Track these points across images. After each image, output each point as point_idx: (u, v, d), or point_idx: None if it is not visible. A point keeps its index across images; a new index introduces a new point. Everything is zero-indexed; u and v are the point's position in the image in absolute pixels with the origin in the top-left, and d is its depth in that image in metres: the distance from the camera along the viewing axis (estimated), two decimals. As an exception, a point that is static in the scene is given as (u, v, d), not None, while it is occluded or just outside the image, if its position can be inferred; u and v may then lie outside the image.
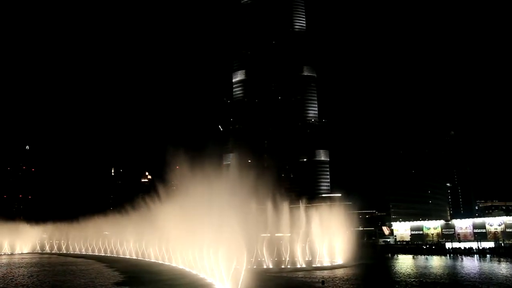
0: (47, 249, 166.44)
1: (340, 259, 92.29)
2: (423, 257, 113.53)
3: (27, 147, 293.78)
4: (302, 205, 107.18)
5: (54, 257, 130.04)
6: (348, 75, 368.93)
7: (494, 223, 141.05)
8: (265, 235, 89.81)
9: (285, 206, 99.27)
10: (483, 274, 69.17)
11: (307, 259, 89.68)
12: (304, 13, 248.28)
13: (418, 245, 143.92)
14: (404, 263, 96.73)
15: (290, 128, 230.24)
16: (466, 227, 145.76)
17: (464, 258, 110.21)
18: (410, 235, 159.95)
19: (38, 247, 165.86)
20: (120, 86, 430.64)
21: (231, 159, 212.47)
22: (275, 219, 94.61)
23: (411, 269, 79.67)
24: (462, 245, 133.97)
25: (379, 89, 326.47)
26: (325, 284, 56.33)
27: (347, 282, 59.63)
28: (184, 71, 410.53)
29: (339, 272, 72.83)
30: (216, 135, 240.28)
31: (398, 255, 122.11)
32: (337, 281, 60.27)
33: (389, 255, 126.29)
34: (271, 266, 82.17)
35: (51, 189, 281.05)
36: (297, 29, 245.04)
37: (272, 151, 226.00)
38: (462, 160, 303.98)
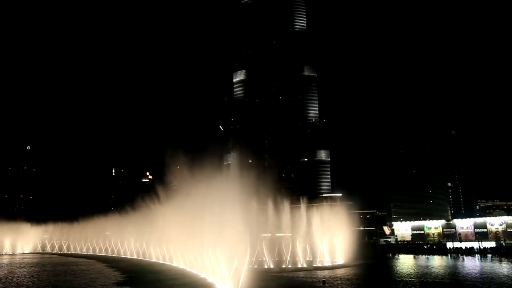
0: (48, 249, 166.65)
1: (341, 259, 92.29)
2: (424, 257, 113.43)
3: (28, 147, 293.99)
4: (303, 205, 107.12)
5: (55, 257, 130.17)
6: (348, 75, 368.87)
7: (495, 222, 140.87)
8: (266, 235, 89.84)
9: (286, 206, 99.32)
10: (484, 274, 69.09)
11: (308, 259, 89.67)
12: (304, 13, 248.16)
13: (419, 245, 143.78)
14: (405, 263, 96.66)
15: (291, 128, 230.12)
16: (467, 227, 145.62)
17: (465, 258, 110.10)
18: (411, 235, 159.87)
19: (39, 247, 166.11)
20: (121, 86, 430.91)
21: (231, 159, 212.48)
22: (276, 219, 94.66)
23: (412, 269, 79.60)
24: (463, 245, 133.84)
25: (380, 89, 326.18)
26: (326, 284, 56.33)
27: (348, 282, 59.60)
28: (184, 71, 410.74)
29: (340, 272, 72.81)
30: (216, 135, 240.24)
31: (399, 255, 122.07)
32: (338, 281, 60.25)
33: (390, 255, 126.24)
34: (272, 266, 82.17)
35: (52, 189, 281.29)
36: (297, 29, 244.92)
37: (272, 151, 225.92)
38: (463, 160, 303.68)
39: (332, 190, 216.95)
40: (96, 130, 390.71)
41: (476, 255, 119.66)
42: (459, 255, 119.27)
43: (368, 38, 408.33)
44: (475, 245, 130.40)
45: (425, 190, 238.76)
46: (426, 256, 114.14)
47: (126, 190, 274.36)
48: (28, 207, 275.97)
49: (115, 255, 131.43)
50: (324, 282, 57.62)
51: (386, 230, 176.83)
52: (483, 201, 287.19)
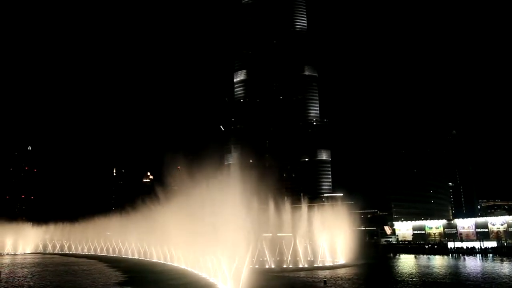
0: (50, 249, 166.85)
1: (342, 259, 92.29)
2: (425, 256, 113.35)
3: (29, 147, 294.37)
4: (303, 205, 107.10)
5: (57, 257, 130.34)
6: (349, 74, 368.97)
7: (497, 222, 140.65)
8: (267, 235, 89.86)
9: (286, 206, 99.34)
10: (486, 274, 69.01)
11: (309, 258, 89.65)
12: (305, 13, 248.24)
13: (420, 244, 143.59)
14: (406, 262, 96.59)
15: (292, 128, 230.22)
16: (468, 227, 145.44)
17: (466, 257, 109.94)
18: (412, 235, 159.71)
19: (40, 247, 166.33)
20: (122, 86, 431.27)
21: (232, 159, 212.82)
22: (277, 219, 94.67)
23: (413, 269, 79.54)
24: (464, 244, 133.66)
25: (380, 89, 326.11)
26: (327, 284, 56.33)
27: (349, 282, 59.58)
28: (185, 71, 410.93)
29: (341, 272, 72.80)
30: (217, 135, 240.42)
31: (400, 255, 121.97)
32: (339, 281, 60.24)
33: (391, 254, 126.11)
34: (273, 266, 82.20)
35: (53, 190, 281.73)
36: (298, 29, 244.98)
37: (273, 151, 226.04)
38: (464, 159, 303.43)
39: (333, 190, 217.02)
40: (97, 130, 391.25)
41: (478, 255, 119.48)
42: (460, 255, 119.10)
43: (369, 37, 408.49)
44: (476, 245, 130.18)
45: (426, 189, 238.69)
46: (427, 256, 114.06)
47: (127, 190, 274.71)
48: (30, 207, 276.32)
49: (116, 255, 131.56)
50: (325, 282, 57.64)
51: (387, 230, 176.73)
52: (484, 200, 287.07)
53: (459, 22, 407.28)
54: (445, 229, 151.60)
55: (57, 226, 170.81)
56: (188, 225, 65.93)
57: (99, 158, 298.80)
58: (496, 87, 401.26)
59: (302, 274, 70.93)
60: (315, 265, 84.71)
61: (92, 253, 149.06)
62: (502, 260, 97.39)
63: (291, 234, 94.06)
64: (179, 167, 75.35)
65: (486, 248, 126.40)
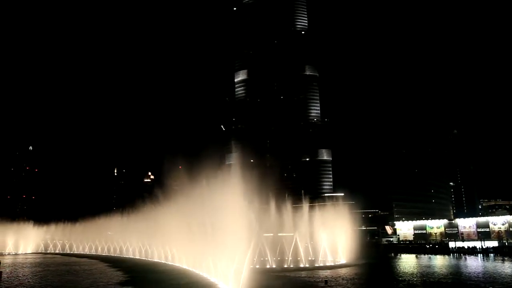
0: (51, 249, 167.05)
1: (343, 259, 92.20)
2: (426, 256, 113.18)
3: (30, 147, 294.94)
4: (304, 205, 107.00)
5: (58, 257, 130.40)
6: (350, 74, 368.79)
7: (498, 222, 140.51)
8: (268, 234, 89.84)
9: (287, 206, 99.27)
10: (487, 274, 68.90)
11: (310, 258, 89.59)
12: (306, 13, 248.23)
13: (421, 244, 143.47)
14: (407, 262, 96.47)
15: (293, 128, 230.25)
16: (469, 226, 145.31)
17: (467, 257, 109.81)
18: (413, 235, 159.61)
19: (41, 247, 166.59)
20: (122, 86, 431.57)
21: (233, 158, 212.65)
22: (278, 218, 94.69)
23: (414, 269, 79.41)
24: (466, 244, 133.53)
25: (381, 88, 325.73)
26: (328, 284, 56.27)
27: (350, 282, 59.50)
28: (186, 72, 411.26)
29: (342, 272, 72.70)
30: (218, 135, 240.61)
31: (401, 255, 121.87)
32: (340, 281, 60.17)
33: (392, 254, 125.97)
34: (274, 266, 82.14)
35: (55, 190, 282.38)
36: (299, 29, 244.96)
37: (274, 150, 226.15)
38: (465, 159, 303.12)
39: (334, 190, 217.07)
40: (98, 131, 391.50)
41: (479, 254, 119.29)
42: (462, 254, 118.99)
43: (370, 37, 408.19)
44: (478, 244, 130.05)
45: (427, 189, 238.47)
46: (428, 256, 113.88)
47: (128, 190, 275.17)
48: (31, 207, 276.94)
49: (118, 255, 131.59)
50: (326, 281, 57.55)
51: (388, 229, 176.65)
52: (486, 200, 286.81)
53: (460, 22, 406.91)
54: (446, 229, 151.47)
55: (58, 226, 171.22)
56: (189, 225, 65.90)
57: (100, 158, 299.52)
58: (497, 86, 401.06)
59: (303, 273, 70.85)
60: (316, 265, 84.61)
61: (93, 253, 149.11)
62: (503, 260, 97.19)
63: (292, 234, 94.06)
64: (180, 166, 75.41)
65: (487, 247, 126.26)
